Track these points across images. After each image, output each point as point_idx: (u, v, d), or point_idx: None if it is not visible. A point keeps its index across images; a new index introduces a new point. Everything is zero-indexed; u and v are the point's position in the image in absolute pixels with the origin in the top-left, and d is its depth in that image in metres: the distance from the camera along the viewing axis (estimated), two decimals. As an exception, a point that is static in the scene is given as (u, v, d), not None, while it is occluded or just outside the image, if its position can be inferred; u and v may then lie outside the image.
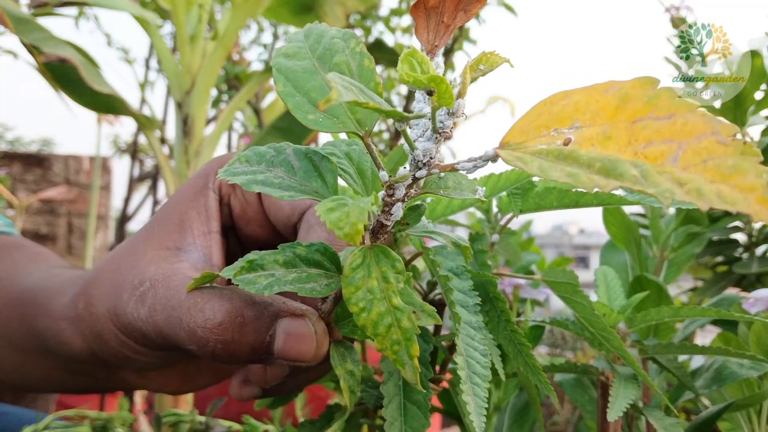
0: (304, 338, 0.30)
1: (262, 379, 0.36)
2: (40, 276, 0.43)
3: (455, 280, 0.34)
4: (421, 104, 0.26)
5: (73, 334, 0.37)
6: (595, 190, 0.20)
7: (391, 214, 0.28)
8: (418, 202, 0.29)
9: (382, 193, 0.28)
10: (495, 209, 0.47)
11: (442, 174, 0.27)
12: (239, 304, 0.30)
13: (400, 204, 0.27)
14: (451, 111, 0.26)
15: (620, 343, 0.37)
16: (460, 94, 0.26)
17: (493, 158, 0.24)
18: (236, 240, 0.39)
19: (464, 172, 0.26)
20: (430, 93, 0.24)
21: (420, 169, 0.26)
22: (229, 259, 0.37)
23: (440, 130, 0.26)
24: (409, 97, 1.52)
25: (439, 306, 0.41)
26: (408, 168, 0.27)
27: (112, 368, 0.39)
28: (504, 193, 0.43)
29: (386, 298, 0.26)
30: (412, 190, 0.27)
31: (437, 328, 0.42)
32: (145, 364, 0.37)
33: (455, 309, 0.30)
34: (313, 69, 0.28)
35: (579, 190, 0.40)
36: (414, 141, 0.26)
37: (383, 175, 0.27)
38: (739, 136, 0.20)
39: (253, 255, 0.28)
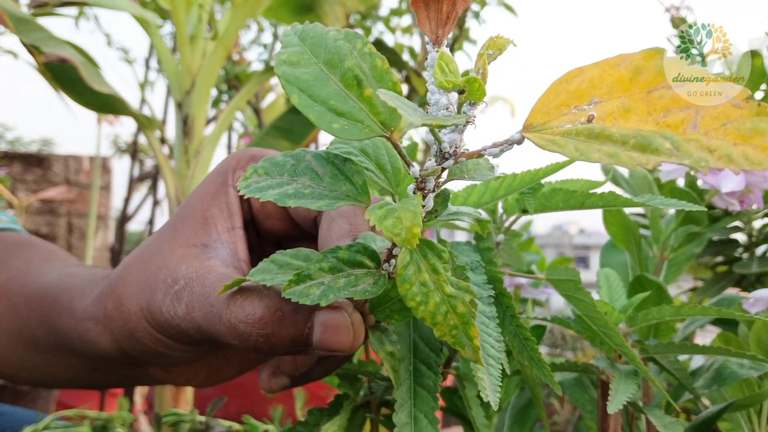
0: (341, 329, 0.31)
1: (292, 368, 0.37)
2: (57, 275, 0.44)
3: (470, 273, 0.35)
4: (437, 95, 0.27)
5: (101, 333, 0.38)
6: (638, 167, 0.21)
7: (424, 206, 0.28)
8: (445, 188, 0.30)
9: (411, 187, 0.28)
10: (500, 210, 0.47)
11: (463, 160, 0.28)
12: (277, 300, 0.31)
13: (431, 196, 0.28)
14: (472, 101, 0.26)
15: (622, 340, 0.37)
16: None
17: (519, 141, 0.25)
18: (255, 233, 0.40)
19: (491, 158, 0.26)
20: (461, 92, 0.25)
21: (447, 159, 0.27)
22: (250, 251, 0.38)
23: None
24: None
25: None
26: (434, 161, 0.27)
27: (139, 365, 0.40)
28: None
29: (439, 288, 0.27)
30: (440, 180, 0.28)
31: None
32: (176, 360, 0.38)
33: (466, 300, 0.31)
34: (324, 76, 0.28)
35: (584, 192, 0.40)
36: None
37: (414, 171, 0.28)
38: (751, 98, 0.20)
39: (280, 256, 0.30)
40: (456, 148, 0.26)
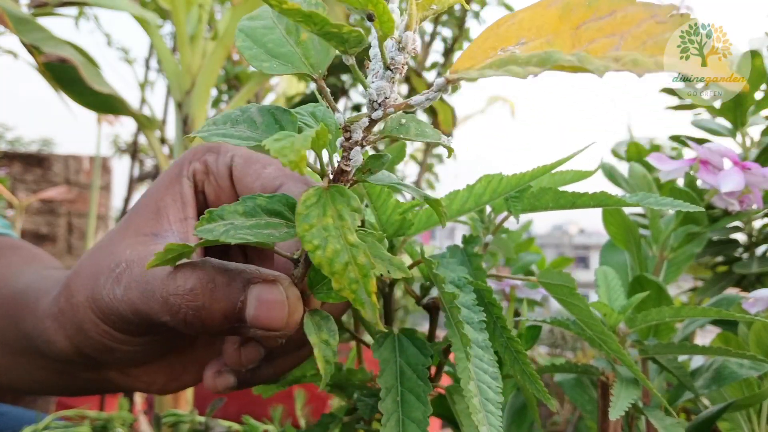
0: (276, 304, 0.30)
1: (236, 361, 0.35)
2: (33, 277, 0.44)
3: (459, 292, 0.33)
4: (374, 50, 0.26)
5: (57, 330, 0.37)
6: (530, 77, 0.20)
7: (350, 159, 0.27)
8: (384, 154, 0.29)
9: (340, 139, 0.28)
10: (488, 208, 0.46)
11: (404, 120, 0.27)
12: (211, 271, 0.31)
13: (358, 149, 0.27)
14: (401, 45, 0.25)
15: (618, 346, 0.37)
16: (408, 26, 0.25)
17: (444, 87, 0.24)
18: None
19: (418, 107, 0.26)
20: (370, 18, 0.24)
21: (375, 110, 0.26)
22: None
23: (392, 66, 0.25)
24: (410, 96, 1.52)
25: (433, 309, 0.41)
26: (365, 109, 0.27)
27: (96, 367, 0.39)
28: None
29: (342, 235, 0.25)
30: (371, 135, 0.27)
31: (431, 332, 0.42)
32: (127, 357, 0.37)
33: (463, 329, 0.30)
34: (272, 25, 0.29)
35: (575, 191, 0.39)
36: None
37: (338, 116, 0.27)
38: (678, 11, 0.19)
39: (223, 211, 0.29)
40: (385, 98, 0.26)
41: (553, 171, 0.41)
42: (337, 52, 0.27)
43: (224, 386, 0.37)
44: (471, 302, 0.34)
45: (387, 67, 0.26)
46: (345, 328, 0.45)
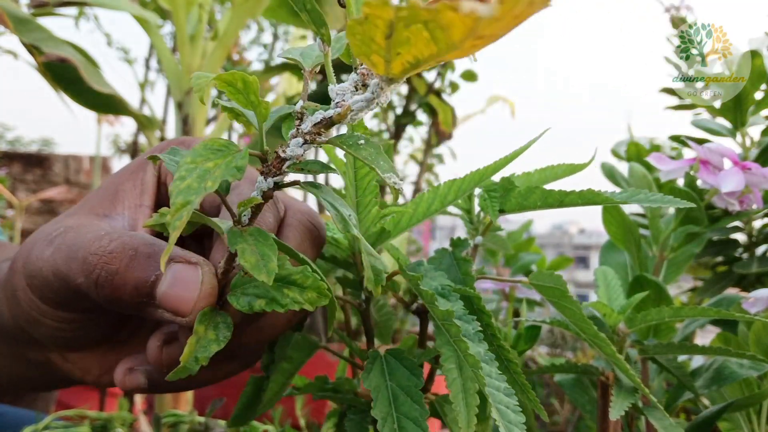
0: (189, 284, 0.30)
1: (157, 359, 0.34)
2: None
3: (454, 310, 0.31)
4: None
5: (2, 301, 0.37)
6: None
7: (288, 147, 0.27)
8: (325, 165, 0.28)
9: (293, 131, 0.27)
10: (477, 208, 0.44)
11: (362, 141, 0.27)
12: (138, 241, 0.31)
13: (299, 140, 0.27)
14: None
15: (612, 350, 0.36)
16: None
17: (377, 89, 0.24)
18: None
19: (359, 111, 0.25)
20: (341, 4, 0.25)
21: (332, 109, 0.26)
22: (161, 238, 0.37)
23: (356, 70, 0.26)
24: (410, 97, 1.52)
25: (423, 314, 0.40)
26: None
27: (37, 346, 0.38)
28: (478, 191, 0.41)
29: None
30: (321, 134, 0.27)
31: (421, 337, 0.42)
32: (57, 335, 0.36)
33: (470, 353, 0.29)
34: None
35: (562, 189, 0.39)
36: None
37: (298, 105, 0.27)
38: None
39: None
40: (342, 99, 0.26)
41: (543, 167, 0.41)
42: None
43: (133, 385, 0.35)
44: (462, 313, 0.33)
45: (355, 71, 0.26)
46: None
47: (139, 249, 0.30)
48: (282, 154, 0.27)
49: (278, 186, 0.28)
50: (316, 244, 0.36)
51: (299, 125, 0.27)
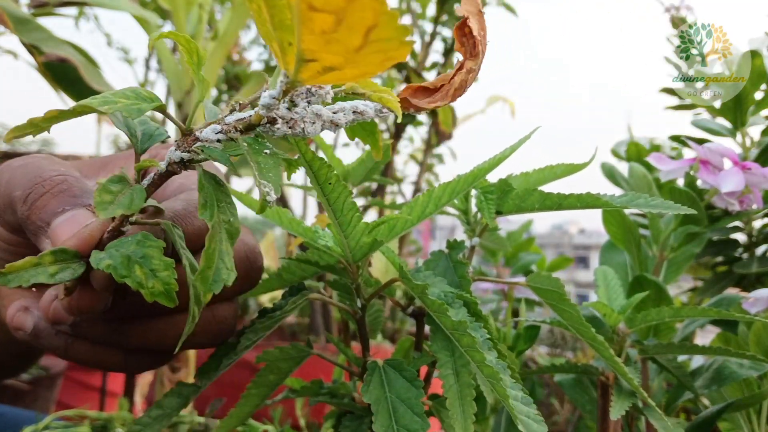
0: (74, 225, 0.31)
1: (45, 306, 0.32)
2: None
3: (467, 321, 0.31)
4: None
5: None
6: None
7: (201, 131, 0.28)
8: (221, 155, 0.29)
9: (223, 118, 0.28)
10: (474, 209, 0.44)
11: (267, 151, 0.27)
12: (78, 185, 0.33)
13: (215, 127, 0.28)
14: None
15: (611, 354, 0.36)
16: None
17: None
18: None
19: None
20: None
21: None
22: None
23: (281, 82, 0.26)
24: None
25: (419, 317, 0.40)
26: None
27: None
28: (474, 192, 0.41)
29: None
30: (230, 129, 0.27)
31: (418, 339, 0.41)
32: (6, 257, 0.37)
33: (486, 364, 0.29)
34: None
35: (561, 192, 0.39)
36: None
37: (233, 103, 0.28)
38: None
39: None
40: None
41: (542, 166, 0.41)
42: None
43: (17, 325, 0.34)
44: (468, 319, 0.32)
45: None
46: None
47: (72, 189, 0.32)
48: (198, 134, 0.28)
49: (184, 162, 0.29)
50: (251, 276, 0.37)
51: (226, 116, 0.28)
